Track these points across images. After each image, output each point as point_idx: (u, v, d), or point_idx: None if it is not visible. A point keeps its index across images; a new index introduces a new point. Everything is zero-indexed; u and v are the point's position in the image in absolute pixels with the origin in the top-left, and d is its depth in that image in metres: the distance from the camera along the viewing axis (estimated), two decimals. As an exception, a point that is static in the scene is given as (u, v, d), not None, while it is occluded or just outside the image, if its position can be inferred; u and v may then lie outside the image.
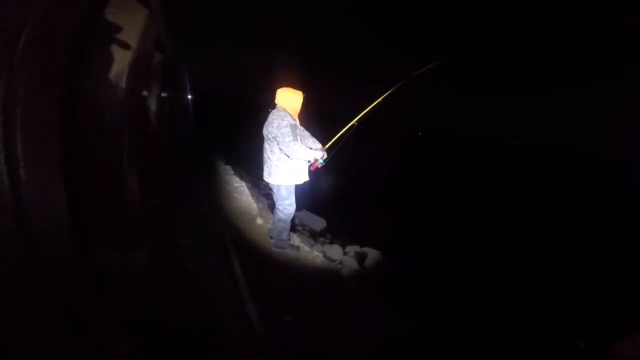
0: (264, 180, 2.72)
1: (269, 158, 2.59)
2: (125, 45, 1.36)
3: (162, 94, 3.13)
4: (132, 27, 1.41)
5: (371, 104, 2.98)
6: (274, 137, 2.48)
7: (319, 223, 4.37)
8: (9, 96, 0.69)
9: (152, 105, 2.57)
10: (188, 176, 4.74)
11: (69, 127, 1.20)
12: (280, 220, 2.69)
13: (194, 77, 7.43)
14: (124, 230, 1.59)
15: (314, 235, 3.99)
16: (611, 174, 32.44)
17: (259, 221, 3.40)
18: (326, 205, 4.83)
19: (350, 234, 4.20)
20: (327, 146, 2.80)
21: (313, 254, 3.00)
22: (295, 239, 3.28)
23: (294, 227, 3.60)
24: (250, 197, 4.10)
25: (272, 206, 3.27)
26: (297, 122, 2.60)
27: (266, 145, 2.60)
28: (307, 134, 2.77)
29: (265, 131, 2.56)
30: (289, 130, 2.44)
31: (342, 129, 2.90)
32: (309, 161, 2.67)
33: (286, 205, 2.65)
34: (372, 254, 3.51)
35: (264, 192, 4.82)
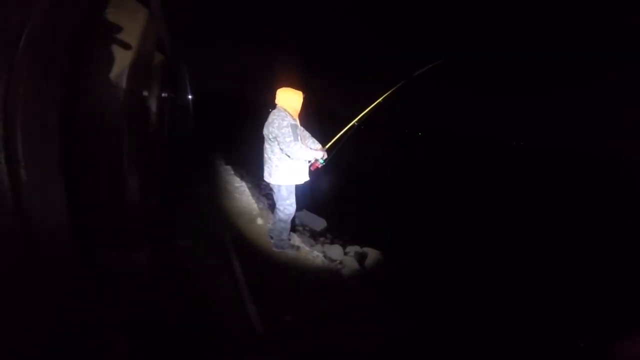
0: (265, 181, 2.72)
1: (269, 158, 2.59)
2: (125, 45, 1.36)
3: (162, 94, 3.13)
4: (132, 27, 1.41)
5: (371, 104, 2.98)
6: (275, 137, 2.48)
7: (319, 223, 4.37)
8: (9, 96, 0.69)
9: (152, 105, 2.57)
10: (188, 176, 4.74)
11: (69, 127, 1.20)
12: (280, 220, 2.69)
13: (194, 77, 7.44)
14: (124, 230, 1.60)
15: (314, 236, 3.99)
16: (611, 174, 32.41)
17: (259, 221, 3.40)
18: (326, 205, 4.83)
19: (351, 234, 4.20)
20: (327, 146, 2.79)
21: (313, 254, 3.00)
22: (296, 239, 3.28)
23: (294, 227, 3.60)
24: (250, 197, 4.10)
25: (272, 206, 3.27)
26: (298, 122, 2.61)
27: (267, 146, 2.60)
28: (307, 134, 2.77)
29: (265, 131, 2.56)
30: (290, 130, 2.44)
31: (342, 129, 2.90)
32: (309, 161, 2.68)
33: (287, 205, 2.65)
34: (372, 254, 3.51)
35: (265, 192, 4.82)
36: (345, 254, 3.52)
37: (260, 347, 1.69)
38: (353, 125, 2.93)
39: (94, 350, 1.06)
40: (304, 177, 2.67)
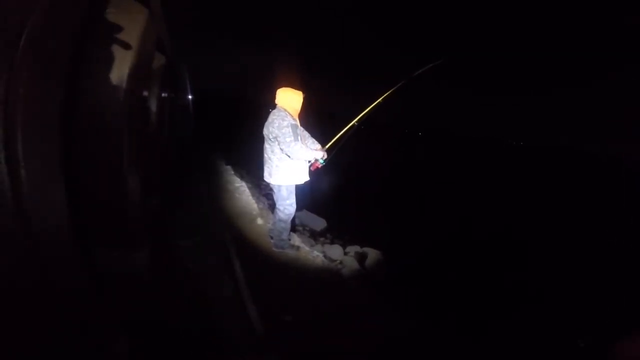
0: (265, 181, 2.72)
1: (269, 158, 2.59)
2: (125, 46, 1.36)
3: (163, 94, 3.13)
4: (132, 27, 1.41)
5: (371, 104, 2.98)
6: (275, 137, 2.48)
7: (319, 223, 4.37)
8: (9, 96, 0.69)
9: (153, 105, 2.57)
10: (188, 176, 4.74)
11: (69, 127, 1.20)
12: (280, 220, 2.69)
13: (194, 77, 7.44)
14: (124, 230, 1.60)
15: (314, 236, 3.99)
16: (611, 174, 32.42)
17: (260, 221, 3.40)
18: (326, 205, 4.83)
19: (351, 234, 4.20)
20: (327, 146, 2.80)
21: (313, 254, 3.00)
22: (296, 239, 3.28)
23: (294, 227, 3.60)
24: (250, 197, 4.10)
25: (272, 206, 3.27)
26: (298, 122, 2.61)
27: (267, 146, 2.60)
28: (306, 134, 2.77)
29: (265, 131, 2.56)
30: (290, 130, 2.44)
31: (342, 129, 2.90)
32: (309, 161, 2.68)
33: (287, 205, 2.65)
34: (372, 254, 3.51)
35: (265, 192, 4.82)
36: (345, 254, 3.52)
37: (260, 347, 1.69)
38: (353, 125, 2.93)
39: (94, 350, 1.06)
40: (304, 177, 2.67)
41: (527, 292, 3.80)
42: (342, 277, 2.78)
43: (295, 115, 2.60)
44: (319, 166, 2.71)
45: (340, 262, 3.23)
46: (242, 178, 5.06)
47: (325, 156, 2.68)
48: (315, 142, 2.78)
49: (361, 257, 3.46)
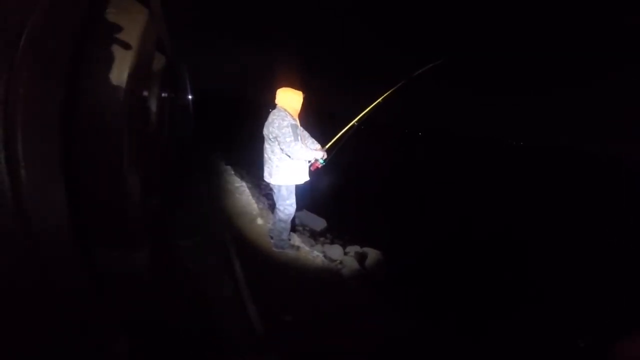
0: (265, 181, 2.72)
1: (269, 158, 2.59)
2: (125, 46, 1.36)
3: (163, 94, 3.13)
4: (132, 27, 1.41)
5: (371, 104, 2.98)
6: (275, 137, 2.48)
7: (319, 223, 4.37)
8: (9, 96, 0.69)
9: (153, 105, 2.57)
10: (188, 176, 4.74)
11: (69, 127, 1.20)
12: (280, 220, 2.69)
13: (194, 77, 7.44)
14: (124, 230, 1.60)
15: (314, 236, 3.99)
16: (611, 174, 32.41)
17: (260, 221, 3.40)
18: (326, 205, 4.83)
19: (351, 234, 4.20)
20: (327, 146, 2.80)
21: (313, 254, 3.00)
22: (296, 239, 3.28)
23: (294, 227, 3.60)
24: (250, 197, 4.10)
25: (272, 206, 3.27)
26: (298, 122, 2.61)
27: (267, 146, 2.60)
28: (306, 134, 2.77)
29: (265, 131, 2.56)
30: (290, 130, 2.44)
31: (342, 129, 2.90)
32: (309, 161, 2.68)
33: (287, 205, 2.65)
34: (372, 254, 3.51)
35: (265, 192, 4.82)
36: (345, 254, 3.52)
37: (260, 347, 1.69)
38: (353, 125, 2.93)
39: (94, 350, 1.06)
40: (304, 177, 2.67)
41: (527, 292, 3.80)
42: (342, 277, 2.78)
43: (295, 115, 2.60)
44: (319, 166, 2.71)
45: (340, 262, 3.23)
46: (242, 178, 5.06)
47: (325, 156, 2.68)
48: (315, 142, 2.78)
49: (361, 257, 3.46)
